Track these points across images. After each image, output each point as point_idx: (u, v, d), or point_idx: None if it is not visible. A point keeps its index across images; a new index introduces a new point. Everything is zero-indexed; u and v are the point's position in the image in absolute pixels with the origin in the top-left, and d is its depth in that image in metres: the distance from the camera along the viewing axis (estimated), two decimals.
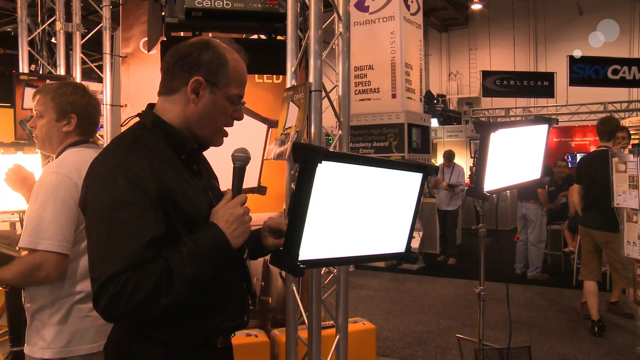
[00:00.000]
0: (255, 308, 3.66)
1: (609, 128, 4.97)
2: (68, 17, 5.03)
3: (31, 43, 5.21)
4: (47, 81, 4.39)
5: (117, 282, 1.15)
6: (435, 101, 17.56)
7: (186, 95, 1.38)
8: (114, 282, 1.15)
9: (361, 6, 8.41)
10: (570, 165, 9.76)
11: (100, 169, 1.29)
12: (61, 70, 4.99)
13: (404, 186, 1.59)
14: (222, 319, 1.42)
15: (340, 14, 2.93)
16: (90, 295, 1.85)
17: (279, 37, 3.14)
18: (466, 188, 8.44)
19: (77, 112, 2.02)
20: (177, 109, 1.39)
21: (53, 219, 1.80)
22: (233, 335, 1.53)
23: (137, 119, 1.44)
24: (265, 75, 4.04)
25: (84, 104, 2.04)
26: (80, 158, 1.94)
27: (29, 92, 4.17)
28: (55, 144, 2.04)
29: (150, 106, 1.46)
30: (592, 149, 6.16)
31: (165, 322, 1.32)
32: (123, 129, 1.47)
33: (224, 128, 1.47)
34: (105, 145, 1.79)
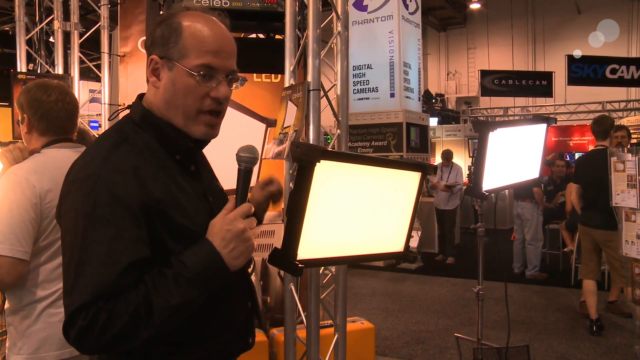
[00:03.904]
0: (262, 328, 3.60)
1: (603, 127, 5.00)
2: (66, 16, 5.02)
3: (29, 42, 5.20)
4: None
5: (87, 314, 1.00)
6: (433, 100, 17.60)
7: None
8: (82, 314, 1.00)
9: (360, 5, 8.41)
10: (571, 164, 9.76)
11: (75, 176, 1.10)
12: (59, 70, 4.98)
13: (403, 185, 1.59)
14: (224, 344, 1.27)
15: (339, 13, 2.93)
16: (61, 298, 1.84)
17: (277, 36, 3.15)
18: (464, 187, 8.46)
19: (26, 111, 1.92)
20: (151, 96, 1.22)
21: (7, 222, 1.72)
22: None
23: (128, 111, 1.27)
24: (263, 75, 4.04)
25: (29, 99, 1.91)
26: (44, 158, 1.88)
27: None
28: (31, 147, 1.97)
29: (140, 96, 1.26)
30: (590, 148, 6.18)
31: (160, 351, 1.16)
32: (111, 123, 1.31)
33: (210, 111, 1.20)
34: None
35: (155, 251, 1.10)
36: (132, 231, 1.06)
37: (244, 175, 1.20)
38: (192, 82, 1.15)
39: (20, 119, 1.96)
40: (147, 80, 1.24)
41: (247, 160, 1.19)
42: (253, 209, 1.18)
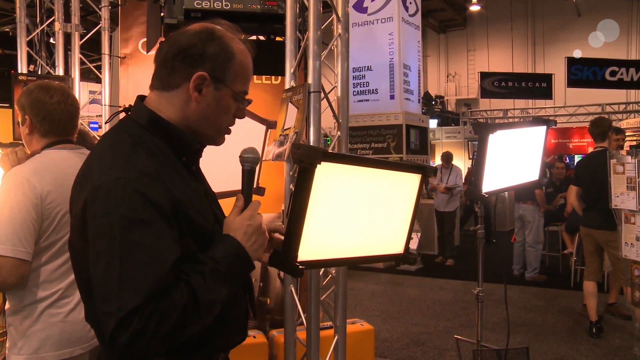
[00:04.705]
0: (255, 319, 3.64)
1: (601, 129, 5.03)
2: (67, 18, 5.03)
3: (30, 43, 5.21)
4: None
5: (141, 316, 1.00)
6: (433, 102, 17.60)
7: (187, 92, 1.22)
8: (136, 316, 0.99)
9: (360, 7, 8.42)
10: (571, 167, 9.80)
11: (100, 181, 1.09)
12: (60, 71, 4.99)
13: (403, 187, 1.59)
14: (226, 337, 1.32)
15: (339, 15, 2.94)
16: (62, 297, 1.83)
17: (277, 38, 3.15)
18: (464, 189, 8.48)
19: (28, 112, 1.92)
20: (176, 106, 1.23)
21: (8, 223, 1.73)
22: None
23: (124, 114, 1.29)
24: (264, 76, 4.05)
25: (31, 101, 1.91)
26: (45, 160, 1.89)
27: None
28: (31, 149, 1.98)
29: (141, 98, 1.28)
30: (590, 150, 6.22)
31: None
32: (108, 126, 1.34)
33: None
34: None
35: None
36: (168, 231, 1.09)
37: (248, 174, 1.30)
38: (232, 103, 1.27)
39: (20, 120, 1.96)
40: (159, 87, 1.25)
41: (251, 160, 1.29)
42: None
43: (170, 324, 1.03)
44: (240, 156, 1.29)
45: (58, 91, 1.96)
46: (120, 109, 1.31)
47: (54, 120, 1.94)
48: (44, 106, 1.92)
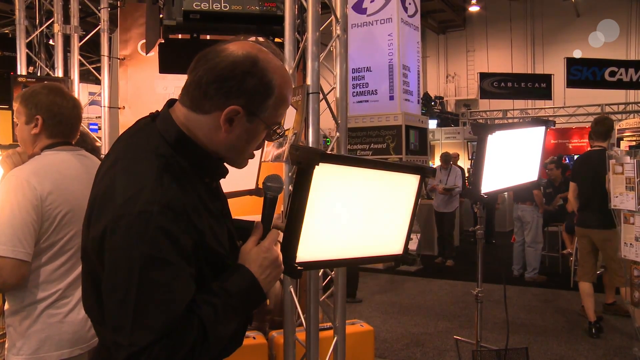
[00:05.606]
0: (250, 325, 3.64)
1: (605, 128, 5.04)
2: (66, 19, 5.04)
3: (29, 45, 5.22)
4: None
5: (151, 352, 1.02)
6: (432, 103, 17.61)
7: (217, 120, 1.16)
8: (146, 352, 1.01)
9: (359, 8, 8.42)
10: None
11: (123, 210, 1.06)
12: (59, 73, 5.00)
13: (402, 188, 1.60)
14: (226, 353, 1.31)
15: (338, 16, 2.94)
16: (62, 298, 1.84)
17: (276, 40, 3.15)
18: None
19: (41, 113, 1.94)
20: (204, 130, 1.18)
21: (9, 224, 1.74)
22: None
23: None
24: None
25: (48, 103, 1.94)
26: (45, 161, 1.90)
27: None
28: (30, 148, 1.99)
29: (169, 104, 1.23)
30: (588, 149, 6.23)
31: None
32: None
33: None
34: (103, 148, 1.58)
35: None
36: (187, 269, 1.08)
37: (270, 203, 1.28)
38: (263, 131, 1.23)
39: (26, 119, 1.96)
40: (188, 106, 1.18)
41: (273, 189, 1.28)
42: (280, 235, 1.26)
43: (179, 357, 1.04)
44: (263, 184, 1.27)
45: (68, 95, 2.02)
46: (147, 116, 1.25)
47: (67, 124, 1.99)
48: (61, 109, 1.96)
